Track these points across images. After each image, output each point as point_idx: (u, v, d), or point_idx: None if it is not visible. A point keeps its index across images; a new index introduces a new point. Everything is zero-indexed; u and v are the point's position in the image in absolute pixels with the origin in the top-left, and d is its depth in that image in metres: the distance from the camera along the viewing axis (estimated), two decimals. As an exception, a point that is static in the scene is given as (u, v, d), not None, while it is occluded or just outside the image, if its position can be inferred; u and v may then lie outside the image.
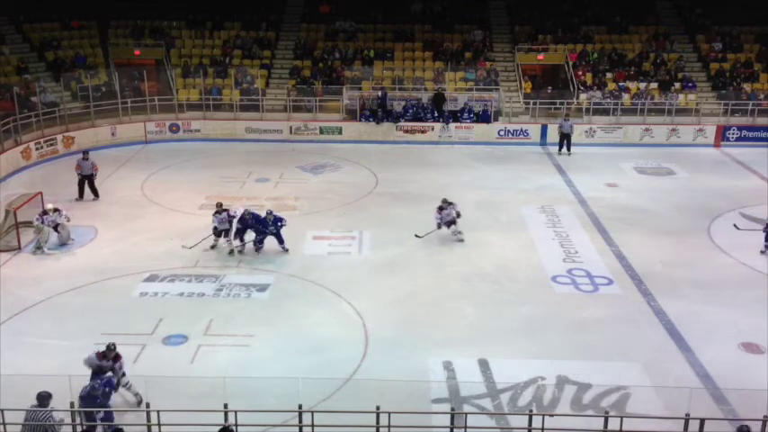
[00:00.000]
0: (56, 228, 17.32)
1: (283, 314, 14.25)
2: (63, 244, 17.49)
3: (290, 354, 12.85)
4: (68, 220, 17.63)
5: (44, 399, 9.76)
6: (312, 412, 9.88)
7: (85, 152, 21.50)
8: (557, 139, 26.72)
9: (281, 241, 17.23)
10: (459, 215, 18.00)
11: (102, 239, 18.01)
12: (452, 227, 17.94)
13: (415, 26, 33.08)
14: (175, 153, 26.15)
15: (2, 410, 9.69)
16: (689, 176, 24.10)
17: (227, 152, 26.44)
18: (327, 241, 17.98)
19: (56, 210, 17.32)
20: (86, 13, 31.89)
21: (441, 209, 17.87)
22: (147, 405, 9.79)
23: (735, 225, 19.24)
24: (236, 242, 17.17)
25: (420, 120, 28.31)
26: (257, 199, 21.06)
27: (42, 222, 17.04)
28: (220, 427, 9.24)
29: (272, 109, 29.20)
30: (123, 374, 10.95)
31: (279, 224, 17.20)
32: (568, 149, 26.35)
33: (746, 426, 9.37)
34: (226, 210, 17.17)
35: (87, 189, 20.91)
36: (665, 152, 26.79)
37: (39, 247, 17.13)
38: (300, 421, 9.86)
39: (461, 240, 17.85)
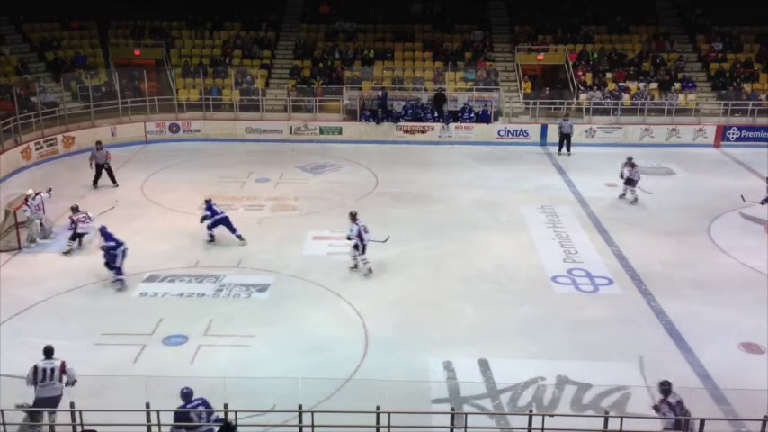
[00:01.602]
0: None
1: (283, 314, 14.25)
2: (45, 237, 17.64)
3: (290, 354, 12.85)
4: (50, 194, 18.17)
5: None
6: (312, 412, 9.88)
7: (98, 142, 22.57)
8: (557, 139, 26.72)
9: (232, 230, 17.63)
10: (348, 238, 15.92)
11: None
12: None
13: (415, 26, 33.08)
14: (175, 153, 26.14)
15: (2, 411, 9.70)
16: (689, 176, 24.09)
17: (227, 152, 26.44)
18: (327, 241, 17.96)
19: (37, 193, 17.57)
20: (86, 13, 31.89)
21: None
22: (147, 405, 9.78)
23: (742, 197, 19.64)
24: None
25: (420, 120, 28.31)
26: (257, 199, 21.08)
27: (29, 211, 17.17)
28: (220, 426, 9.24)
29: (272, 109, 29.19)
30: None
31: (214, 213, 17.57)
32: (568, 149, 26.34)
33: (667, 381, 10.13)
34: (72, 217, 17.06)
35: (102, 180, 21.98)
36: (665, 152, 26.78)
37: (32, 240, 17.32)
38: (300, 421, 9.86)
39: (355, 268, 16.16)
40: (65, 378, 10.51)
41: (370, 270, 15.96)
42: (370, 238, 16.01)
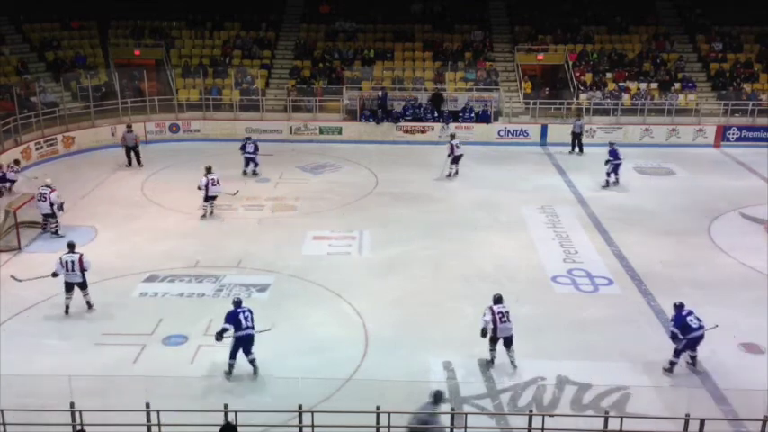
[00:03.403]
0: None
1: (283, 314, 14.23)
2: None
3: (290, 354, 12.84)
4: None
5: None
6: (312, 412, 9.88)
7: (129, 125, 24.86)
8: (557, 139, 26.80)
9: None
10: (198, 188, 19.08)
11: (102, 239, 18.02)
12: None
13: (415, 26, 33.09)
14: (175, 153, 26.14)
15: (2, 411, 9.70)
16: (689, 176, 24.10)
17: (227, 152, 26.36)
18: (327, 241, 17.97)
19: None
20: (86, 13, 31.89)
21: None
22: (147, 405, 9.78)
23: None
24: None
25: (420, 120, 28.31)
26: (257, 199, 21.07)
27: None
28: (220, 426, 9.23)
29: (272, 109, 29.20)
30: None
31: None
32: (580, 149, 26.44)
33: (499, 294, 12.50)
34: None
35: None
36: (664, 152, 26.79)
37: (55, 232, 17.85)
38: (300, 421, 9.86)
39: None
40: (84, 267, 13.98)
41: (203, 216, 19.01)
42: (218, 191, 19.02)
